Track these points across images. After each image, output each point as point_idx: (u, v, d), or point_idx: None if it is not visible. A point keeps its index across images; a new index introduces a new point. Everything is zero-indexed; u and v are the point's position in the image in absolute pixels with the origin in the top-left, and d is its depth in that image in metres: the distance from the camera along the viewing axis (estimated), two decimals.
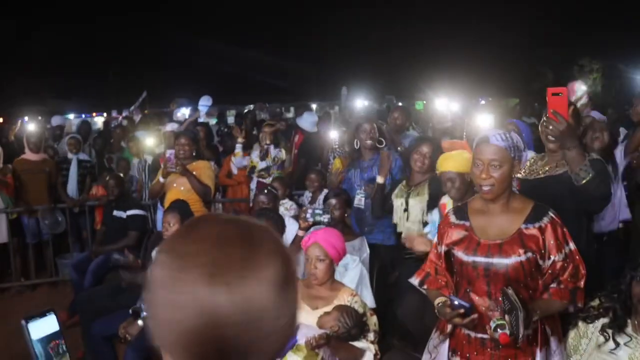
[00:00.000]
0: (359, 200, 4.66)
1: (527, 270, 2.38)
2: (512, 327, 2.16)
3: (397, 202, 4.24)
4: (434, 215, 3.86)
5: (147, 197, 6.36)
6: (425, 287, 2.63)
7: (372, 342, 3.06)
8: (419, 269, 2.74)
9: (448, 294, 2.53)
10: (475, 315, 2.31)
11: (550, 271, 2.41)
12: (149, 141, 6.60)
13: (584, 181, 2.63)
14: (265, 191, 4.78)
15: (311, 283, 3.25)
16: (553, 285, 2.41)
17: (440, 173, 3.69)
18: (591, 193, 2.63)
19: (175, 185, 5.17)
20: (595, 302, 2.54)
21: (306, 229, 4.11)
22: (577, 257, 2.41)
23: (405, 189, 4.24)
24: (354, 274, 3.99)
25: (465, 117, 4.66)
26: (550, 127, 2.60)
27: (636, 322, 2.46)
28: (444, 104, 4.22)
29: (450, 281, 2.56)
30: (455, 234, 2.51)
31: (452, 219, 2.58)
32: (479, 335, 2.42)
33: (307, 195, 6.23)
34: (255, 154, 6.54)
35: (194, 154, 5.34)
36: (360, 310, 3.12)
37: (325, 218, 4.00)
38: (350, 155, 4.93)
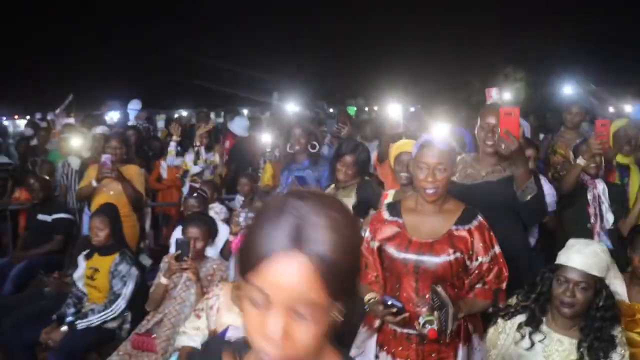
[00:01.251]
0: None
1: (455, 269, 2.51)
2: (441, 323, 2.29)
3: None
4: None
5: (73, 200, 6.20)
6: None
7: None
8: None
9: (378, 290, 2.63)
10: (406, 314, 2.42)
11: (476, 272, 2.54)
12: (76, 143, 6.44)
13: (528, 197, 2.81)
14: (195, 194, 4.79)
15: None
16: (478, 285, 2.56)
17: (397, 155, 3.72)
18: (533, 209, 2.82)
19: (104, 189, 5.07)
20: (513, 300, 2.69)
21: (236, 233, 4.15)
22: (501, 260, 2.57)
23: (333, 191, 4.32)
24: None
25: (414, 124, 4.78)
26: (503, 146, 2.75)
27: (551, 320, 2.61)
28: (396, 109, 4.29)
29: (381, 276, 2.65)
30: (388, 230, 2.60)
31: (386, 215, 2.67)
32: (405, 331, 2.53)
33: (239, 199, 6.24)
34: (189, 157, 6.50)
35: (124, 157, 5.26)
36: None
37: None
38: (284, 158, 4.99)
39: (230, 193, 6.51)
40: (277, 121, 7.41)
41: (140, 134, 7.18)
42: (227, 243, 4.17)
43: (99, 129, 6.22)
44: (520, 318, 2.65)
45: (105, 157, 4.94)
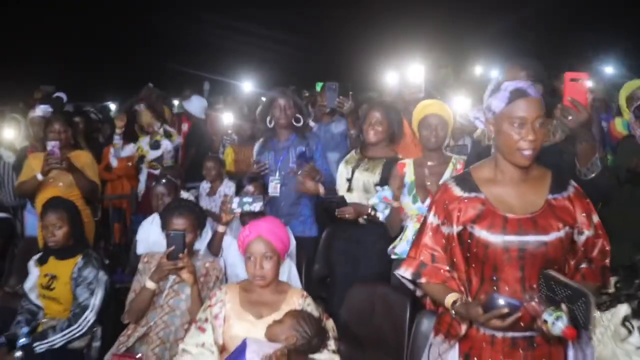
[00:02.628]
0: (274, 187, 4.07)
1: (566, 248, 2.00)
2: (582, 317, 1.75)
3: (344, 169, 3.76)
4: (384, 192, 3.44)
5: (10, 197, 5.31)
6: (422, 280, 2.12)
7: (334, 352, 2.53)
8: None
9: (457, 287, 2.06)
10: (520, 314, 1.86)
11: (583, 248, 2.04)
12: (8, 134, 5.51)
13: (592, 175, 2.33)
14: (164, 180, 4.08)
15: (251, 287, 2.66)
16: (583, 265, 2.05)
17: (423, 118, 3.31)
18: (598, 187, 2.33)
19: (51, 181, 4.27)
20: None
21: (227, 223, 3.49)
22: (601, 231, 2.06)
23: (357, 157, 3.77)
24: (281, 271, 3.44)
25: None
26: (570, 117, 2.24)
27: None
28: (417, 71, 3.71)
29: (461, 269, 2.08)
30: (470, 210, 2.04)
31: (456, 190, 2.10)
32: (509, 335, 1.97)
33: (205, 186, 5.56)
34: (145, 142, 5.73)
35: (71, 142, 4.47)
36: (316, 314, 2.59)
37: (257, 206, 3.39)
38: (264, 135, 4.33)
39: (190, 180, 5.78)
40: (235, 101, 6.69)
41: (89, 120, 6.31)
42: (216, 235, 3.50)
43: (39, 111, 5.31)
44: (623, 309, 2.16)
45: (52, 145, 4.12)
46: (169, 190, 4.07)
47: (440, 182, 3.27)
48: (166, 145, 5.70)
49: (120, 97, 8.98)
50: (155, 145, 5.62)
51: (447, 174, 3.29)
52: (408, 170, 3.43)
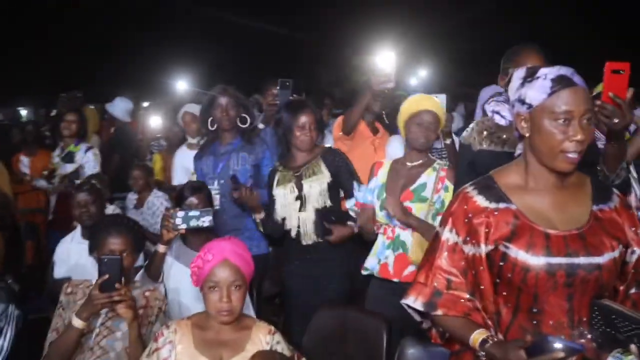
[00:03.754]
0: (213, 198, 3.57)
1: (618, 271, 1.66)
2: None
3: (283, 191, 3.25)
4: (361, 192, 3.04)
5: None
6: (438, 312, 1.70)
7: None
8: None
9: (481, 320, 1.66)
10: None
11: (633, 270, 1.69)
12: None
13: (619, 181, 2.07)
14: (86, 187, 3.52)
15: (206, 323, 2.17)
16: (633, 290, 1.70)
17: (414, 114, 2.93)
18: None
19: None
20: None
21: (169, 242, 2.96)
22: None
23: (289, 172, 3.28)
24: None
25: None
26: (615, 120, 1.90)
27: None
28: (388, 59, 3.28)
29: (489, 298, 1.67)
30: (503, 225, 1.65)
31: (481, 200, 1.70)
32: None
33: (131, 197, 4.98)
34: (56, 152, 5.04)
35: None
36: (287, 353, 2.13)
37: (206, 221, 2.88)
38: (204, 138, 3.83)
39: (114, 191, 5.15)
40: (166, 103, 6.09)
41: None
42: (157, 256, 2.95)
43: None
44: None
45: None
46: (94, 197, 3.50)
47: (412, 187, 2.92)
48: (83, 158, 5.02)
49: (33, 103, 8.13)
50: (67, 158, 4.93)
51: (425, 178, 2.94)
52: (382, 171, 3.06)
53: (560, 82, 1.58)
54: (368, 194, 3.05)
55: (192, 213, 2.87)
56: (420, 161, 3.00)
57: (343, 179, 3.20)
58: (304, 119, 3.18)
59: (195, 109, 4.78)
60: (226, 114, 3.62)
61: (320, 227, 3.15)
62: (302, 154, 3.26)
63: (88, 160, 4.95)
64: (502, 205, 1.67)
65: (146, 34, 9.72)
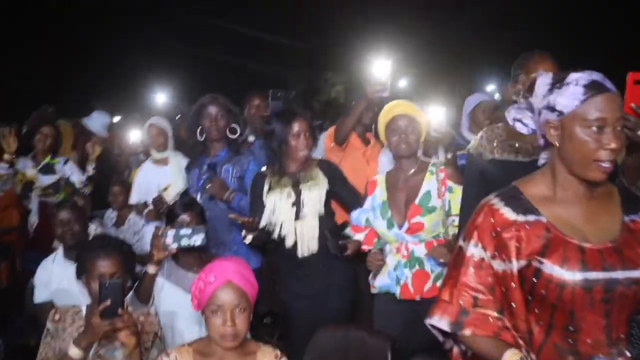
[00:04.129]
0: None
1: None
2: None
3: (278, 196, 3.10)
4: (358, 216, 2.94)
5: None
6: (466, 332, 1.61)
7: None
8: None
9: (513, 340, 1.57)
10: None
11: None
12: None
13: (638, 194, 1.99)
14: (68, 204, 3.44)
15: (208, 349, 2.04)
16: None
17: (390, 120, 2.86)
18: None
19: None
20: None
21: (160, 262, 2.81)
22: None
23: (283, 177, 3.14)
24: None
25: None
26: (629, 127, 1.85)
27: None
28: (384, 67, 3.19)
29: (521, 316, 1.59)
30: (535, 239, 1.56)
31: (508, 213, 1.61)
32: None
33: (110, 215, 4.80)
34: (27, 164, 4.83)
35: None
36: None
37: (198, 240, 2.75)
38: (191, 150, 3.71)
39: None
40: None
41: None
42: (147, 277, 2.80)
43: None
44: None
45: None
46: (77, 215, 3.35)
47: (417, 201, 2.81)
48: (63, 169, 4.86)
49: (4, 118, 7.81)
50: (46, 170, 4.75)
51: (427, 186, 2.85)
52: (379, 188, 2.94)
53: (593, 88, 1.52)
54: (362, 215, 2.95)
55: (183, 231, 2.74)
56: (414, 168, 2.92)
57: (338, 189, 3.11)
58: (297, 126, 3.08)
59: (162, 122, 4.63)
60: (215, 123, 3.53)
61: (321, 239, 3.03)
62: (296, 164, 3.14)
63: (73, 171, 4.86)
64: (531, 218, 1.59)
65: (120, 41, 9.32)
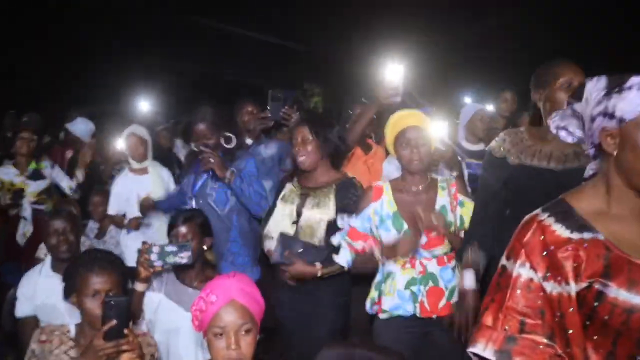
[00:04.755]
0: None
1: None
2: None
3: (282, 210, 2.95)
4: (352, 222, 2.74)
5: None
6: None
7: None
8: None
9: None
10: None
11: None
12: None
13: None
14: (65, 212, 3.19)
15: None
16: None
17: (396, 136, 2.67)
18: None
19: None
20: None
21: (147, 280, 2.64)
22: None
23: (297, 190, 2.98)
24: None
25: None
26: None
27: None
28: (396, 72, 3.06)
29: (578, 345, 1.44)
30: (595, 259, 1.41)
31: (561, 230, 1.46)
32: None
33: (92, 226, 4.59)
34: (11, 172, 4.61)
35: None
36: None
37: (184, 258, 2.57)
38: (186, 159, 3.55)
39: None
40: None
41: None
42: (136, 295, 2.61)
43: None
44: None
45: None
46: (72, 225, 3.10)
47: (437, 210, 2.64)
48: (51, 174, 4.69)
49: None
50: (35, 176, 4.56)
51: (441, 200, 2.68)
52: (386, 197, 2.74)
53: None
54: (362, 221, 2.73)
55: (168, 248, 2.57)
56: (426, 183, 2.74)
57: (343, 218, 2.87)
58: (297, 135, 2.93)
59: (142, 131, 4.47)
60: (206, 140, 3.36)
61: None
62: (313, 174, 2.96)
63: (61, 176, 4.76)
64: (587, 235, 1.43)
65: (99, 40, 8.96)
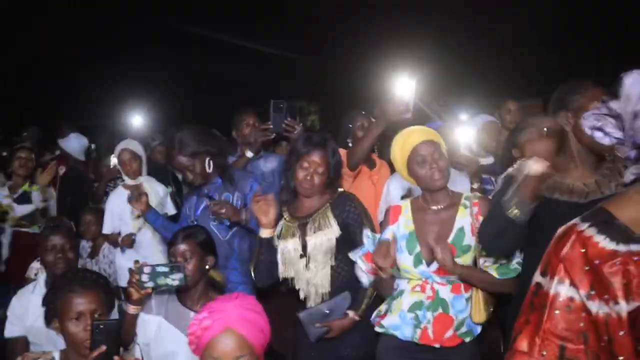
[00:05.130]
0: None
1: None
2: None
3: (287, 246, 2.75)
4: (369, 241, 2.56)
5: None
6: None
7: None
8: None
9: None
10: None
11: None
12: None
13: None
14: (60, 226, 2.98)
15: None
16: None
17: (409, 156, 2.48)
18: None
19: None
20: None
21: (139, 302, 2.49)
22: None
23: (294, 222, 2.79)
24: None
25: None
26: None
27: None
28: (407, 86, 2.94)
29: None
30: None
31: (605, 242, 1.33)
32: None
33: (85, 245, 4.44)
34: (2, 193, 4.46)
35: None
36: None
37: (177, 280, 2.42)
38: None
39: None
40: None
41: None
42: (128, 318, 2.46)
43: None
44: None
45: None
46: (72, 242, 2.93)
47: (451, 238, 2.44)
48: (39, 199, 4.55)
49: None
50: (22, 199, 4.42)
51: (461, 221, 2.47)
52: (404, 217, 2.56)
53: None
54: (371, 242, 2.56)
55: (160, 269, 2.41)
56: (447, 202, 2.53)
57: (351, 233, 2.71)
58: (309, 158, 2.73)
59: (135, 146, 4.34)
60: (190, 171, 3.20)
61: (334, 286, 2.71)
62: (308, 200, 2.79)
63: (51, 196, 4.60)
64: (635, 248, 1.30)
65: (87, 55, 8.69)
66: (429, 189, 2.50)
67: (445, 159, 2.48)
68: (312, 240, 2.70)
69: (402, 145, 2.51)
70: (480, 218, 2.43)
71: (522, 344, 1.37)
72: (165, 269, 2.42)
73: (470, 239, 2.44)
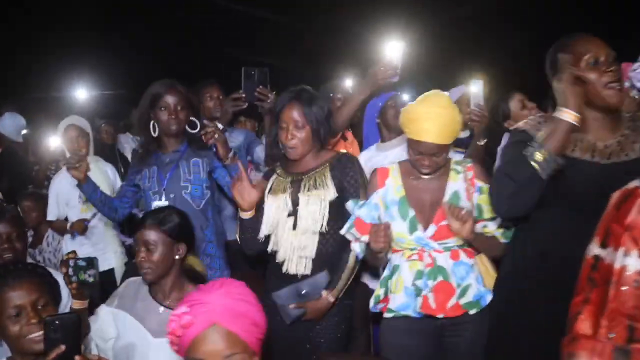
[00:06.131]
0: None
1: None
2: None
3: (274, 202, 2.52)
4: (358, 210, 2.37)
5: None
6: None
7: None
8: None
9: None
10: None
11: None
12: None
13: None
14: (7, 215, 2.60)
15: None
16: None
17: (416, 138, 2.28)
18: None
19: None
20: None
21: (81, 297, 2.23)
22: None
23: (286, 178, 2.55)
24: None
25: None
26: None
27: None
28: (395, 49, 2.77)
29: None
30: None
31: None
32: None
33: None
34: None
35: None
36: None
37: (91, 276, 2.18)
38: (142, 148, 3.04)
39: None
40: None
41: None
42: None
43: None
44: None
45: None
46: (19, 230, 2.58)
47: (447, 197, 2.32)
48: None
49: None
50: None
51: (453, 185, 2.35)
52: (392, 180, 2.39)
53: None
54: (369, 210, 2.36)
55: (80, 262, 2.17)
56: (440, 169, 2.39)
57: (345, 199, 2.48)
58: (284, 115, 2.49)
59: (82, 122, 3.97)
60: (175, 116, 2.90)
61: (318, 260, 2.48)
62: (304, 160, 2.55)
63: None
64: None
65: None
66: (416, 169, 2.38)
67: (444, 157, 2.34)
68: (305, 198, 2.46)
69: (417, 130, 2.29)
70: (477, 182, 2.34)
71: (584, 326, 1.17)
72: (83, 263, 2.18)
73: (465, 203, 2.31)
